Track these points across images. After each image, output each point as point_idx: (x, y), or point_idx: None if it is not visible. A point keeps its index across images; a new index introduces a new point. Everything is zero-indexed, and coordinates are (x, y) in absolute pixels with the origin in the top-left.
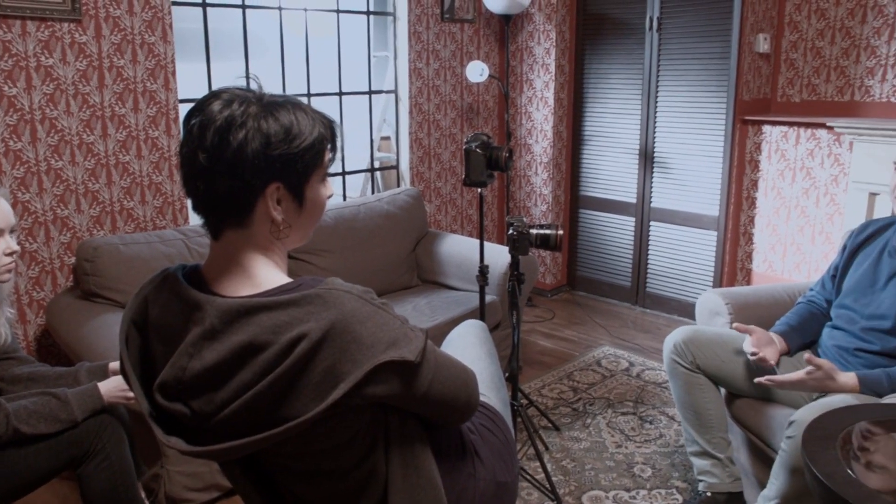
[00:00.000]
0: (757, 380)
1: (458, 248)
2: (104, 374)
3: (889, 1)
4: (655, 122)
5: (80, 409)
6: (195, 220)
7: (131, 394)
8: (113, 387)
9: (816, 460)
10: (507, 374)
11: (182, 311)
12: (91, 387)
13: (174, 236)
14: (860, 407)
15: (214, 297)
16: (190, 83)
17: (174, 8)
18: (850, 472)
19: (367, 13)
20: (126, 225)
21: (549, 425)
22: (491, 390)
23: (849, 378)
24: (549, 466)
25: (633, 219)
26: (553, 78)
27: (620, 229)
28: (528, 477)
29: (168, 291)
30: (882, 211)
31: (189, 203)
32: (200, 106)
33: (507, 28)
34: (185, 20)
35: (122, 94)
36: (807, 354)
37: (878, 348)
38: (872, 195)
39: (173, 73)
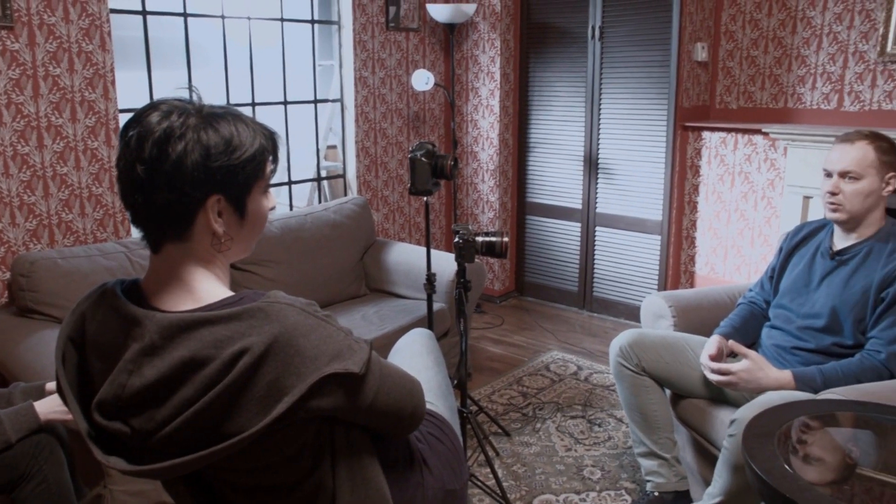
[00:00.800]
0: (708, 375)
1: (406, 257)
2: (40, 394)
3: (817, 13)
4: (599, 129)
5: (15, 430)
6: (137, 232)
7: None
8: (52, 405)
9: (756, 456)
10: (455, 382)
11: (121, 326)
12: (26, 406)
13: (115, 249)
14: (798, 403)
15: (154, 312)
16: (131, 93)
17: (113, 16)
18: (787, 466)
19: (312, 22)
20: (65, 238)
21: (500, 431)
22: (438, 398)
23: (784, 375)
24: (499, 472)
25: (579, 224)
26: (498, 86)
27: (567, 235)
28: (479, 483)
29: (106, 307)
30: (816, 213)
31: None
32: (138, 118)
33: (451, 37)
34: (124, 28)
35: (58, 103)
36: (730, 341)
37: (813, 346)
38: (806, 198)
39: (113, 83)
